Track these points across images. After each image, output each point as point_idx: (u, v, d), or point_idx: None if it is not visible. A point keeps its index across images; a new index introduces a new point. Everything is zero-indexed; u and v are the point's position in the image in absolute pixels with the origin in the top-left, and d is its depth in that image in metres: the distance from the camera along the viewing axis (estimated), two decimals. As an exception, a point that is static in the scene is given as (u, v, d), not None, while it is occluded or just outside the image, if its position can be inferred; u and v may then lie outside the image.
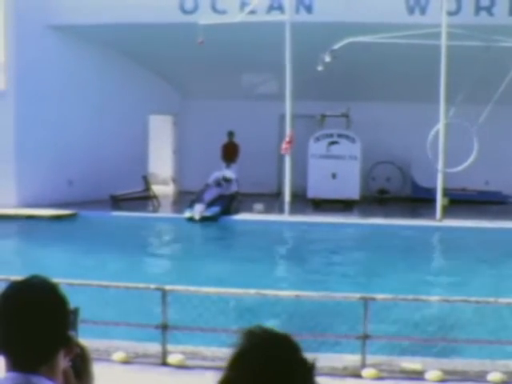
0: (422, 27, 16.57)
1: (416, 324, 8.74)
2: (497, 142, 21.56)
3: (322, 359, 7.17)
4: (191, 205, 18.21)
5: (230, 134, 22.48)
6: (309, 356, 1.74)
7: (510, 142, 22.26)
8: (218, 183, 19.28)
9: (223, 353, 7.03)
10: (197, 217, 17.64)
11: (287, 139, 18.43)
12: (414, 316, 8.97)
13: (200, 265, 13.53)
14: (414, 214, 20.44)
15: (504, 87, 17.31)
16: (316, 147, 21.22)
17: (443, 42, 17.02)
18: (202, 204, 18.08)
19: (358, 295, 7.34)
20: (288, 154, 18.52)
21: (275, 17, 18.27)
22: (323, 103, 22.09)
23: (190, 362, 7.21)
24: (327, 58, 18.04)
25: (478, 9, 18.33)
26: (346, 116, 22.15)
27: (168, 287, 7.49)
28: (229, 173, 20.14)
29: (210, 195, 18.58)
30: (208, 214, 17.85)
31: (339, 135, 21.36)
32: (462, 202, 20.51)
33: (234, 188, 19.61)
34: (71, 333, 2.09)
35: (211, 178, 19.46)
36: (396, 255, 14.29)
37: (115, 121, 21.22)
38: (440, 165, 17.69)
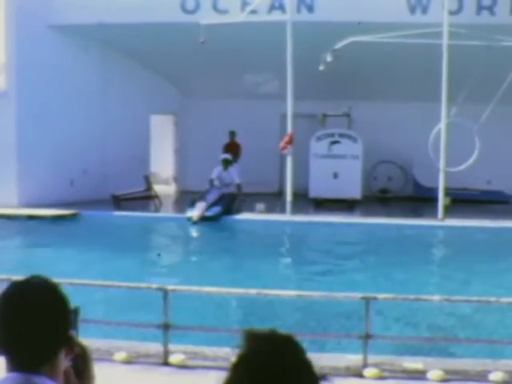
0: (424, 26, 16.56)
1: (417, 323, 8.74)
2: (499, 142, 21.55)
3: (323, 359, 7.18)
4: (192, 204, 18.18)
5: (232, 134, 22.47)
6: (312, 357, 1.73)
7: (512, 142, 22.27)
8: (221, 179, 19.11)
9: (225, 352, 7.04)
10: (195, 218, 17.59)
11: (286, 138, 18.40)
12: (416, 315, 8.96)
13: (201, 264, 13.53)
14: (415, 213, 20.43)
15: (506, 86, 17.31)
16: (317, 147, 21.23)
17: (445, 41, 17.00)
18: (204, 204, 18.03)
19: (359, 295, 7.33)
20: (286, 152, 18.51)
21: (276, 16, 18.27)
22: (325, 103, 22.10)
23: (191, 362, 7.20)
24: (329, 58, 18.04)
25: (480, 8, 18.32)
26: (347, 115, 22.16)
27: (170, 287, 7.48)
28: (227, 155, 19.97)
29: (212, 196, 18.54)
30: (209, 214, 17.83)
31: (341, 135, 21.36)
32: (464, 201, 20.50)
33: (236, 181, 19.26)
34: (72, 332, 2.09)
35: (214, 174, 19.30)
36: (398, 254, 14.27)
37: (116, 120, 21.23)
38: (442, 164, 17.69)
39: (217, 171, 19.31)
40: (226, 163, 19.32)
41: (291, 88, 18.10)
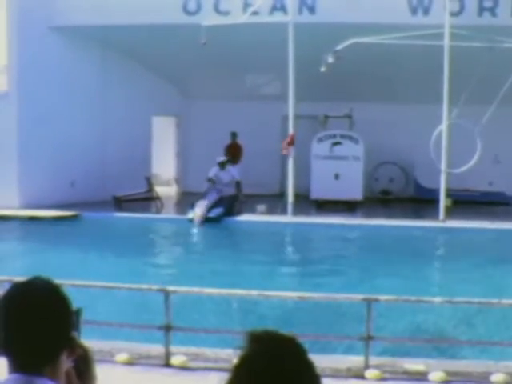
0: (425, 28, 16.55)
1: (419, 325, 8.73)
2: (500, 143, 21.54)
3: (325, 360, 7.15)
4: (193, 206, 18.17)
5: (233, 135, 22.48)
6: (313, 358, 1.73)
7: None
8: (219, 179, 19.09)
9: (226, 354, 7.04)
10: (197, 219, 17.59)
11: (288, 140, 18.40)
12: (417, 317, 8.95)
13: (203, 266, 13.51)
14: (417, 214, 20.40)
15: (507, 88, 17.30)
16: (319, 148, 21.21)
17: (446, 42, 17.00)
18: (204, 204, 18.02)
19: (361, 296, 7.33)
20: (288, 154, 18.50)
21: (278, 18, 18.26)
22: (326, 104, 22.07)
23: (192, 364, 7.20)
24: (330, 59, 18.03)
25: (481, 9, 18.32)
26: (348, 117, 22.14)
27: (171, 288, 7.49)
28: (222, 157, 19.96)
29: (212, 196, 18.54)
30: (211, 215, 17.83)
31: (342, 136, 21.35)
32: (465, 202, 20.49)
33: (237, 177, 19.25)
34: (74, 334, 2.09)
35: (211, 173, 19.27)
36: (399, 256, 14.26)
37: (118, 122, 21.23)
38: (443, 165, 17.68)
39: (214, 170, 19.30)
40: (223, 165, 19.33)
41: (293, 89, 18.10)
